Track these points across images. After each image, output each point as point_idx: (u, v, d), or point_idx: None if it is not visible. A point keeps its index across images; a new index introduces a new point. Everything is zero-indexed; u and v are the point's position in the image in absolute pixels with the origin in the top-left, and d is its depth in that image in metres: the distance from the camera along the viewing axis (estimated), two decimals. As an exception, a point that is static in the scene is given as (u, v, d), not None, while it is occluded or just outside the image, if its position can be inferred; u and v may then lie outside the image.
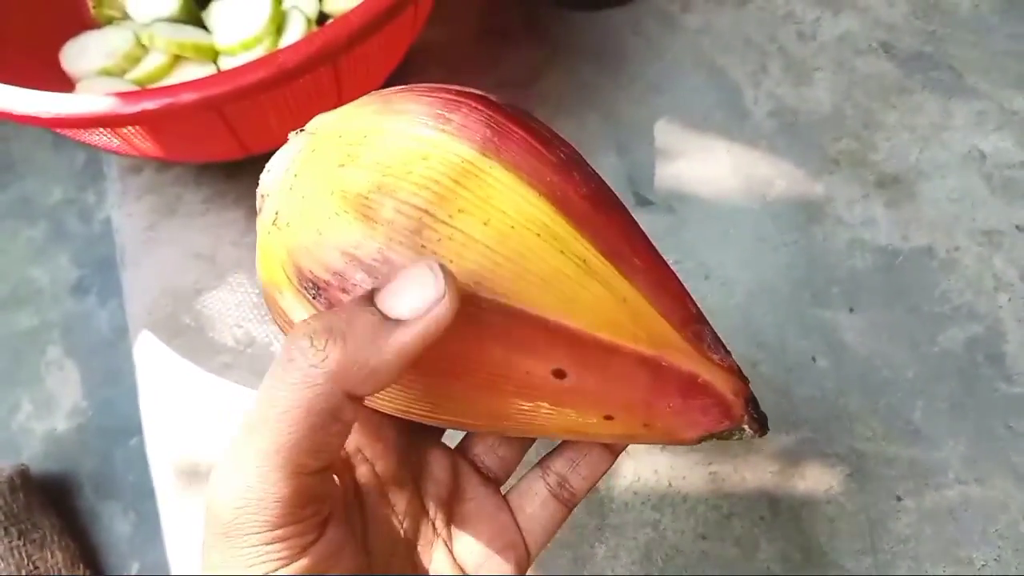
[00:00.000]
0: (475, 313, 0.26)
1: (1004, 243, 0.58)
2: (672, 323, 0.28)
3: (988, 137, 0.63)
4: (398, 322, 0.24)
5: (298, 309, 0.28)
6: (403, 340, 0.23)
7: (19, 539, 0.57)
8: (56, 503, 0.61)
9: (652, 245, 0.30)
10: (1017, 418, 0.52)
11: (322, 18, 0.69)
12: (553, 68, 0.70)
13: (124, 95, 0.48)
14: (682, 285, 0.29)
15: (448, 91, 0.29)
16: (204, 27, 0.68)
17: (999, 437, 0.51)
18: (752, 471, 0.50)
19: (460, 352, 0.27)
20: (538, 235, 0.27)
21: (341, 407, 0.24)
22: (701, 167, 0.63)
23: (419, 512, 0.32)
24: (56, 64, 0.66)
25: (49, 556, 0.57)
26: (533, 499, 0.33)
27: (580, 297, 0.27)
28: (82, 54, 0.66)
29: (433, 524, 0.32)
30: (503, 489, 0.35)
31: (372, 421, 0.32)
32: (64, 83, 0.66)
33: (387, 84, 0.64)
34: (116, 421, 0.64)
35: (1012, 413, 0.52)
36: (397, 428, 0.33)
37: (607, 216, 0.28)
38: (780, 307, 0.57)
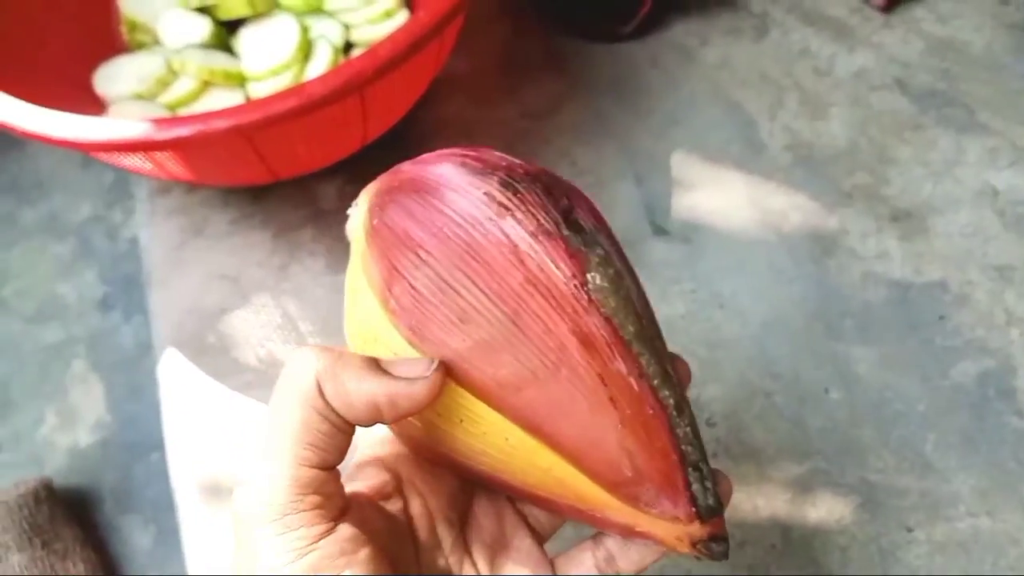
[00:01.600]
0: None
1: (1016, 278, 0.59)
2: (603, 486, 0.29)
3: (1001, 173, 0.64)
4: (385, 372, 0.28)
5: None
6: (380, 384, 0.27)
7: (42, 550, 0.58)
8: (78, 515, 0.62)
9: (630, 389, 0.29)
10: (1027, 452, 0.52)
11: (348, 47, 0.71)
12: (572, 99, 0.71)
13: (159, 121, 0.50)
14: (638, 435, 0.29)
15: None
16: (232, 52, 0.70)
17: (1010, 471, 0.52)
18: (765, 499, 0.51)
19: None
20: (461, 421, 0.30)
21: (324, 407, 0.27)
22: (717, 198, 0.64)
23: (463, 552, 0.34)
24: (88, 87, 0.68)
25: (71, 567, 0.58)
26: (578, 567, 0.34)
27: (511, 465, 0.30)
28: (114, 78, 0.67)
29: (475, 565, 0.34)
30: (553, 550, 0.36)
31: (429, 468, 0.34)
32: (96, 106, 0.67)
33: (412, 112, 0.66)
34: (138, 436, 0.65)
35: (1023, 447, 0.52)
36: (447, 485, 0.35)
37: (545, 387, 0.29)
38: (794, 338, 0.58)
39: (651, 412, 0.29)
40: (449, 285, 0.29)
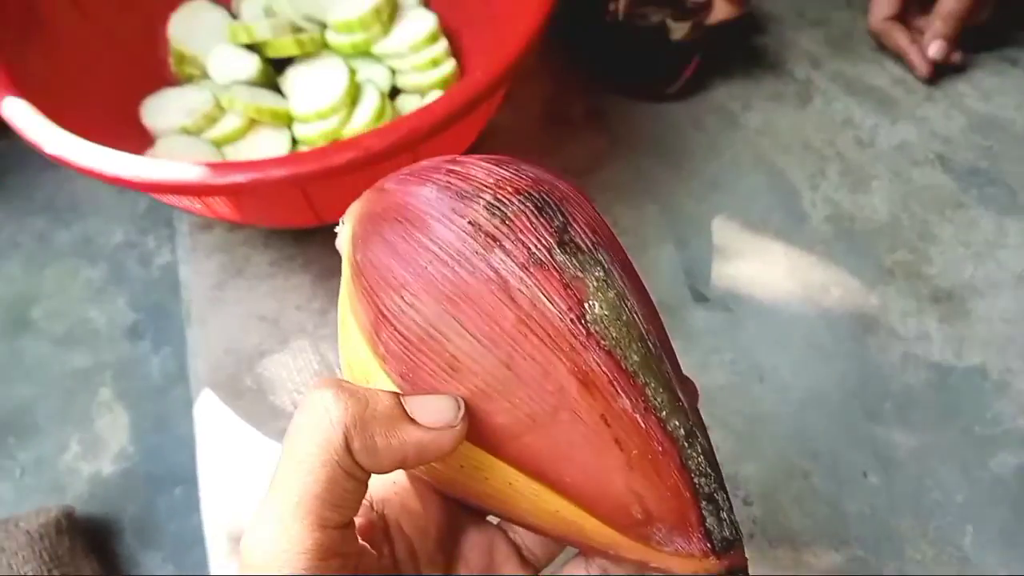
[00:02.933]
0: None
1: (1055, 368, 0.59)
2: (613, 528, 0.28)
3: (1042, 258, 0.65)
4: (413, 420, 0.26)
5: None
6: (410, 437, 0.26)
7: (63, 585, 0.58)
8: (97, 547, 0.61)
9: (637, 427, 0.28)
10: (1064, 548, 0.52)
11: (393, 92, 0.71)
12: (614, 157, 0.72)
13: (216, 167, 0.50)
14: (650, 477, 0.28)
15: None
16: (279, 90, 0.70)
17: (1047, 568, 0.52)
18: (800, 583, 0.51)
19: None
20: (461, 467, 0.29)
21: (350, 464, 0.25)
22: (758, 267, 0.64)
23: None
24: (134, 116, 0.68)
25: (91, 604, 0.58)
26: None
27: (516, 507, 0.29)
28: (162, 111, 0.67)
29: None
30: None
31: (413, 495, 0.33)
32: (142, 137, 0.67)
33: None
34: (162, 469, 0.65)
35: (1060, 544, 0.52)
36: (438, 504, 0.33)
37: (545, 431, 0.28)
38: (833, 418, 0.58)
39: (660, 449, 0.27)
40: (438, 330, 0.27)
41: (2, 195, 0.79)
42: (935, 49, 0.73)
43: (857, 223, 0.67)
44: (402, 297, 0.27)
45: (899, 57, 0.77)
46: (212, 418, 0.59)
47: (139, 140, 0.67)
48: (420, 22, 0.70)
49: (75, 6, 0.65)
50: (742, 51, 0.78)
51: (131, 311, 0.71)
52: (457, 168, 0.30)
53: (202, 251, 0.66)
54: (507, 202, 0.28)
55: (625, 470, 0.27)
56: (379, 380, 0.29)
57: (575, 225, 0.29)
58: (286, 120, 0.67)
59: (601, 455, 0.27)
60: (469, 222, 0.28)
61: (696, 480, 0.28)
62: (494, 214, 0.28)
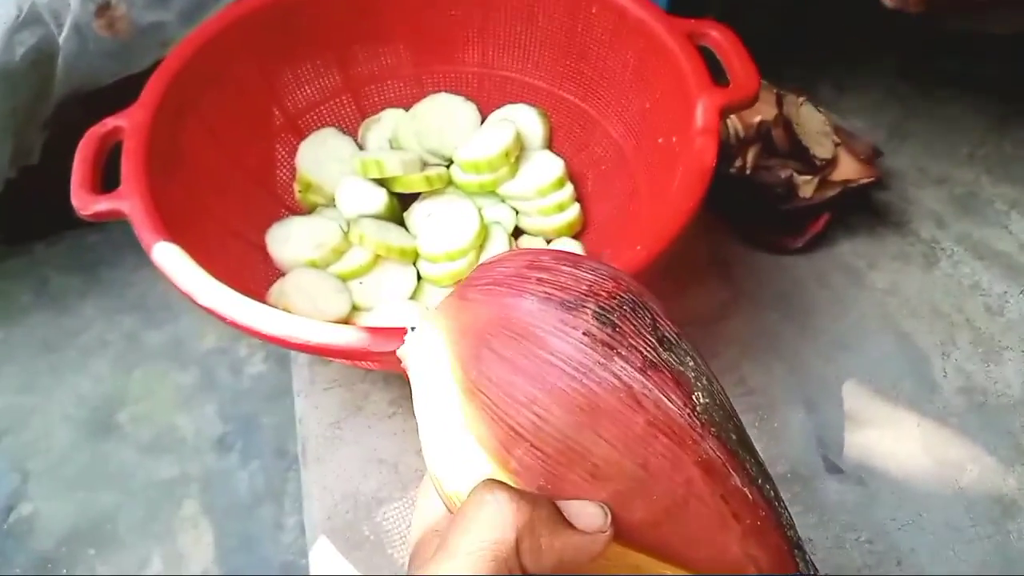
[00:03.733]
0: None
1: None
2: None
3: None
4: (569, 524, 0.28)
5: None
6: (570, 540, 0.27)
7: None
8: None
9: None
10: None
11: (517, 232, 0.71)
12: (738, 310, 0.71)
13: (376, 332, 0.48)
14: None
15: None
16: (403, 224, 0.70)
17: None
18: None
19: None
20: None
21: (518, 567, 0.27)
22: (891, 440, 0.63)
23: None
24: (256, 241, 0.68)
25: None
26: None
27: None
28: (288, 241, 0.68)
29: None
30: None
31: None
32: (266, 263, 0.67)
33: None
34: (247, 592, 0.63)
35: None
36: None
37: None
38: (975, 609, 0.55)
39: (763, 514, 0.30)
40: (577, 442, 0.28)
41: (94, 290, 0.80)
42: None
43: (990, 397, 0.65)
44: (535, 414, 0.29)
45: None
46: (328, 567, 0.57)
47: (265, 269, 0.67)
48: (548, 167, 0.70)
49: (211, 135, 0.66)
50: (866, 207, 0.77)
51: (220, 421, 0.71)
52: (544, 276, 0.31)
53: (320, 384, 0.66)
54: (611, 309, 0.30)
55: (741, 539, 0.30)
56: None
57: (660, 320, 0.32)
58: (413, 257, 0.67)
59: (723, 531, 0.30)
60: (584, 333, 0.29)
61: (789, 534, 0.31)
62: (604, 323, 0.30)
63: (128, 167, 0.56)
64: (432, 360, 0.32)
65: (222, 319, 0.49)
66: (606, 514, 0.28)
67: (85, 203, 0.55)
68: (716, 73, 0.60)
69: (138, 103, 0.60)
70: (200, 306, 0.50)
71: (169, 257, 0.51)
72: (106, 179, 0.57)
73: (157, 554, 0.64)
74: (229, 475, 0.68)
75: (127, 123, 0.58)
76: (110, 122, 0.59)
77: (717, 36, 0.62)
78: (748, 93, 0.58)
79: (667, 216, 0.53)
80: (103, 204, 0.55)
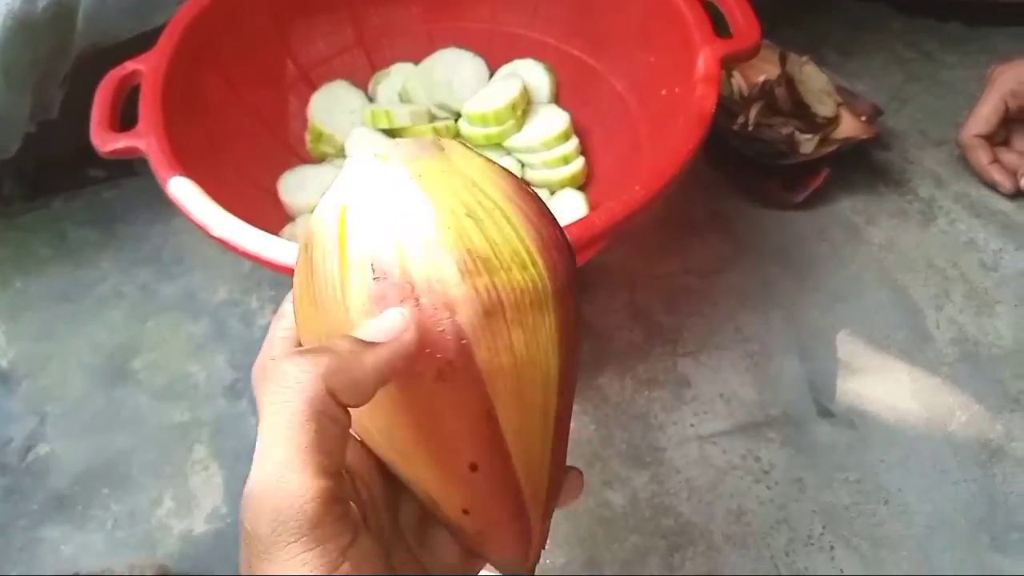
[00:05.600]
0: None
1: None
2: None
3: None
4: (374, 344, 0.28)
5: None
6: (378, 357, 0.28)
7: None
8: (187, 608, 0.61)
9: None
10: None
11: (523, 183, 0.72)
12: (738, 262, 0.72)
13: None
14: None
15: None
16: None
17: None
18: None
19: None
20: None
21: (335, 409, 0.27)
22: (883, 386, 0.64)
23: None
24: (268, 188, 0.70)
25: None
26: None
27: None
28: (300, 188, 0.70)
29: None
30: None
31: (361, 457, 0.34)
32: (278, 210, 0.69)
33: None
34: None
35: None
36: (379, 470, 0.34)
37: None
38: (958, 546, 0.57)
39: None
40: None
41: (111, 244, 0.81)
42: None
43: (982, 348, 0.67)
44: None
45: (979, 173, 0.77)
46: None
47: (276, 214, 0.69)
48: (553, 120, 0.72)
49: (227, 84, 0.68)
50: (867, 166, 0.79)
51: (230, 369, 0.72)
52: None
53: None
54: None
55: None
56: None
57: None
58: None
59: None
60: None
61: None
62: None
63: (146, 107, 0.58)
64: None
65: (234, 249, 0.51)
66: (402, 315, 0.29)
67: (105, 141, 0.57)
68: (719, 27, 0.62)
69: (155, 48, 0.62)
70: (213, 237, 0.52)
71: (184, 190, 0.53)
72: (124, 122, 0.59)
73: (168, 494, 0.65)
74: (239, 421, 0.69)
75: (145, 67, 0.60)
76: (129, 65, 0.61)
77: (721, -10, 0.63)
78: (749, 44, 0.60)
79: (666, 159, 0.54)
80: (122, 142, 0.56)
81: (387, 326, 0.29)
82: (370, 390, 0.28)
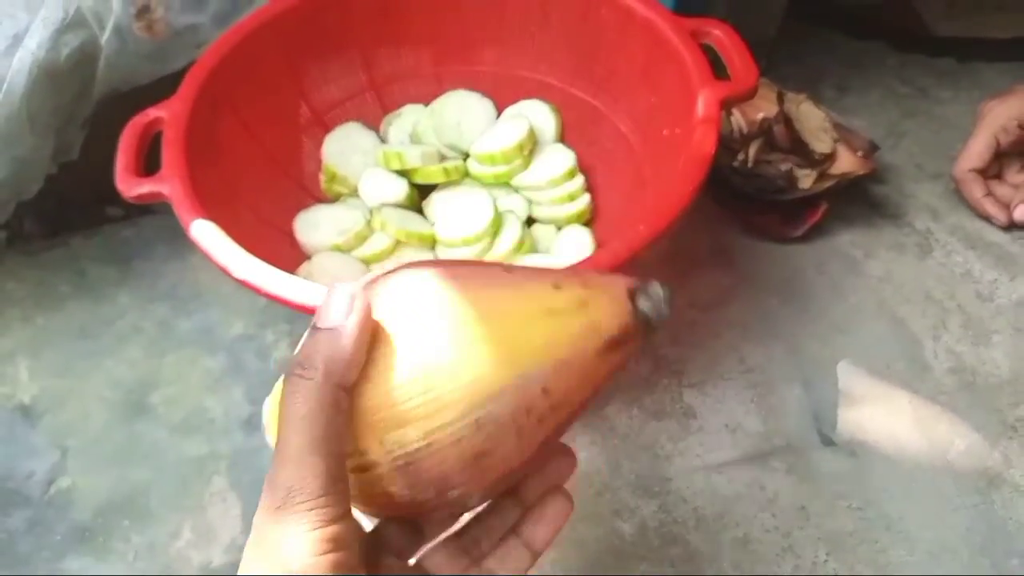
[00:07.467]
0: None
1: None
2: None
3: None
4: (341, 328, 0.34)
5: None
6: (350, 334, 0.34)
7: None
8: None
9: None
10: None
11: (529, 221, 0.74)
12: (740, 295, 0.74)
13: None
14: None
15: None
16: (422, 213, 0.74)
17: None
18: None
19: None
20: None
21: (339, 399, 0.33)
22: (883, 416, 0.66)
23: None
24: (284, 228, 0.72)
25: None
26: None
27: None
28: (315, 228, 0.72)
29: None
30: None
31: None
32: (294, 250, 0.71)
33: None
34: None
35: None
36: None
37: None
38: (959, 571, 0.58)
39: None
40: None
41: (128, 281, 0.83)
42: (1021, 213, 0.76)
43: (979, 377, 0.68)
44: None
45: (973, 207, 0.79)
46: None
47: (291, 252, 0.71)
48: (559, 158, 0.74)
49: (244, 128, 0.71)
50: (864, 200, 0.81)
51: (247, 403, 0.73)
52: None
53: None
54: None
55: None
56: None
57: None
58: (431, 243, 0.71)
59: None
60: None
61: None
62: None
63: (168, 152, 0.60)
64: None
65: (256, 290, 0.53)
66: (351, 295, 0.34)
67: (129, 186, 0.59)
68: (718, 70, 0.64)
69: (177, 95, 0.64)
70: (234, 278, 0.54)
71: (206, 233, 0.55)
72: (147, 167, 0.61)
73: (188, 526, 0.66)
74: (255, 453, 0.70)
75: (167, 113, 0.63)
76: (151, 112, 0.63)
77: (719, 34, 0.66)
78: (747, 86, 0.62)
79: (669, 199, 0.56)
80: (146, 187, 0.59)
81: (337, 305, 0.34)
82: (361, 357, 0.34)
